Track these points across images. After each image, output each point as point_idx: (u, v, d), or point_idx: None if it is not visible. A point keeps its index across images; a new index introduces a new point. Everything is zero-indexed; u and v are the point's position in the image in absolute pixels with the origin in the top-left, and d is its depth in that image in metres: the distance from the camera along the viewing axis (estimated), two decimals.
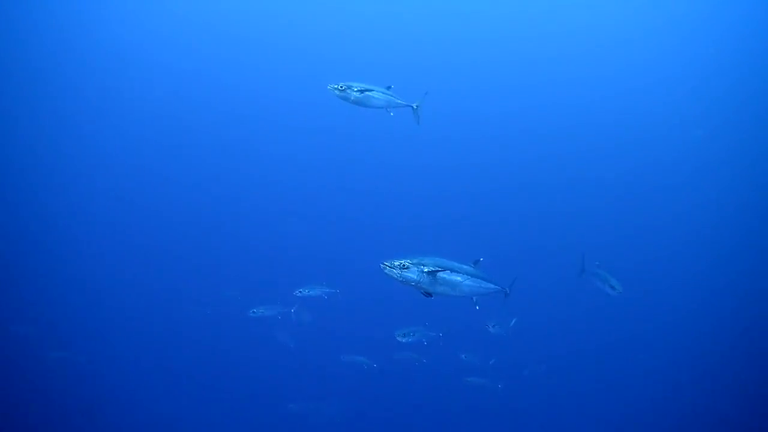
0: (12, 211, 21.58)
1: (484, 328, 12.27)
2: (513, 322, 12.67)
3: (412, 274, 5.80)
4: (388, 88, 8.61)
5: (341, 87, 8.11)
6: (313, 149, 26.81)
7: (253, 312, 13.84)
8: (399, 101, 8.73)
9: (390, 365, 15.35)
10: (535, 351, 17.94)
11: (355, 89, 8.18)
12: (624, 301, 20.93)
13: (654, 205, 25.65)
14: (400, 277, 5.77)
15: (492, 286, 6.63)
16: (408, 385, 17.98)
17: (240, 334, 18.10)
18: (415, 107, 9.00)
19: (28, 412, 15.57)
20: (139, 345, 18.73)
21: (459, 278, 6.22)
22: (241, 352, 18.92)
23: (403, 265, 5.77)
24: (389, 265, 5.76)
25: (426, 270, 5.88)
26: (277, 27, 29.32)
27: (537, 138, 27.92)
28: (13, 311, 16.82)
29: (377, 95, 8.42)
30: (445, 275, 6.05)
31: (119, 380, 17.83)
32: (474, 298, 6.53)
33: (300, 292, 13.30)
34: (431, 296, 6.15)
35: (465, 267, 6.38)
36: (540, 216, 25.04)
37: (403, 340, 11.57)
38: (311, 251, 22.23)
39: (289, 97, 28.31)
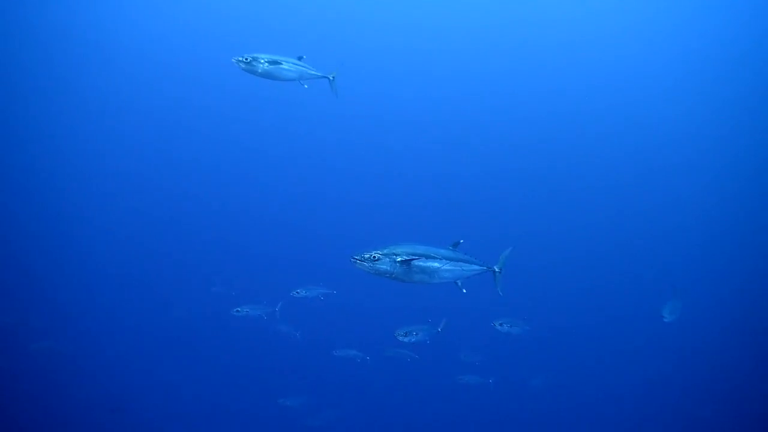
0: None
1: (491, 327, 11.75)
2: (527, 323, 12.15)
3: (384, 266, 5.52)
4: (300, 58, 8.18)
5: (246, 59, 7.62)
6: (301, 146, 26.89)
7: (237, 311, 13.21)
8: (313, 72, 8.33)
9: (382, 362, 14.88)
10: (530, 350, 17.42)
11: (263, 60, 7.70)
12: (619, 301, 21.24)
13: (644, 199, 25.67)
14: (372, 270, 5.51)
15: (476, 267, 6.26)
16: (400, 382, 17.68)
17: (230, 330, 17.70)
18: (331, 78, 8.65)
19: (10, 403, 15.26)
20: (126, 337, 18.44)
21: (436, 264, 5.85)
22: (232, 347, 18.58)
23: (374, 257, 5.49)
24: (359, 258, 5.49)
25: (399, 260, 5.55)
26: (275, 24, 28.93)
27: (521, 125, 27.96)
28: None
29: (288, 66, 7.99)
30: (420, 263, 5.70)
31: (105, 372, 17.51)
32: (458, 283, 6.14)
33: (297, 293, 12.73)
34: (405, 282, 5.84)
35: (442, 251, 5.98)
36: (526, 203, 25.15)
37: (405, 340, 10.34)
38: (300, 247, 21.97)
39: (281, 96, 28.01)
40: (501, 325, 11.72)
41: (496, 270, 6.54)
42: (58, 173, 23.60)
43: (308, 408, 16.37)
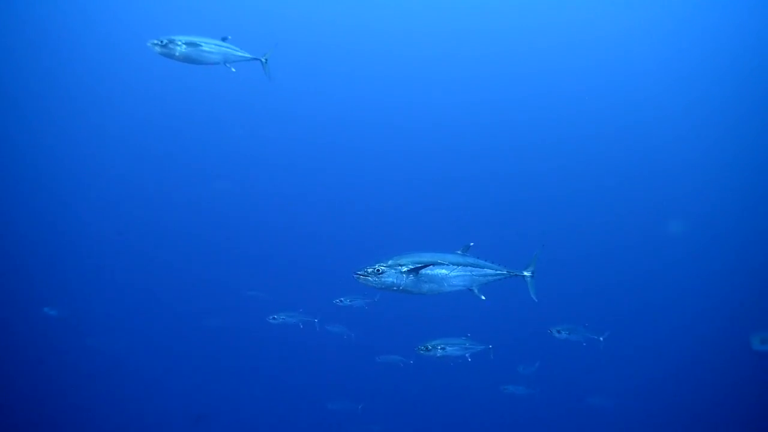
0: (52, 202, 22.40)
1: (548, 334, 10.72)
2: (605, 335, 11.39)
3: (390, 278, 5.16)
4: (224, 39, 7.50)
5: (162, 42, 6.97)
6: (310, 150, 27.21)
7: (274, 318, 12.67)
8: (241, 54, 7.63)
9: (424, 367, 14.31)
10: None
11: (180, 43, 7.05)
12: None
13: (646, 200, 25.53)
14: (378, 284, 5.17)
15: (490, 271, 5.73)
16: (443, 387, 17.24)
17: (276, 334, 17.53)
18: (264, 60, 7.97)
19: (63, 395, 15.71)
20: (176, 339, 18.70)
21: (444, 271, 5.40)
22: (279, 351, 18.54)
23: (378, 270, 5.14)
24: (362, 273, 5.15)
25: (404, 270, 5.18)
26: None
27: (531, 125, 28.02)
28: (48, 295, 17.03)
29: (210, 48, 7.29)
30: (428, 271, 5.29)
31: (155, 374, 17.77)
32: (475, 290, 5.66)
33: (340, 301, 12.14)
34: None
35: (450, 256, 5.51)
36: (535, 205, 25.21)
37: (427, 355, 8.87)
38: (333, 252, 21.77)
39: (301, 102, 28.57)
40: (559, 332, 10.72)
41: (527, 274, 5.99)
42: (115, 178, 24.44)
43: (354, 414, 15.97)
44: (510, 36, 28.75)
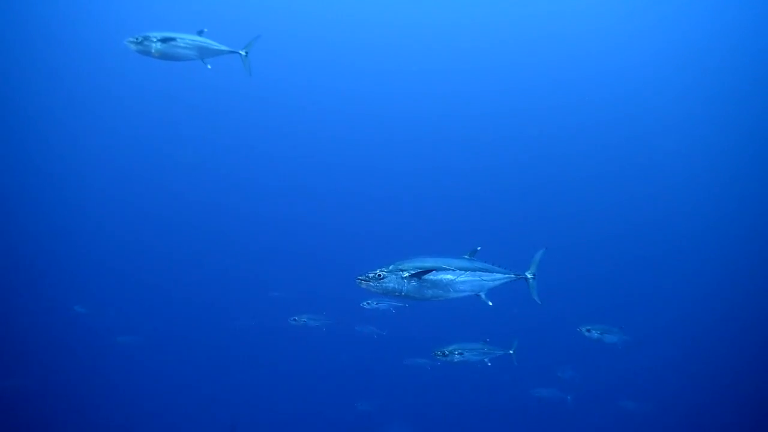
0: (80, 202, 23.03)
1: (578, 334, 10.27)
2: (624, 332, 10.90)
3: (391, 284, 5.08)
4: (201, 32, 7.23)
5: (138, 39, 6.79)
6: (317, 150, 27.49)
7: (294, 320, 12.60)
8: (218, 47, 7.36)
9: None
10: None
11: (155, 39, 6.84)
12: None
13: (648, 200, 25.66)
14: (380, 289, 5.10)
15: (499, 276, 5.62)
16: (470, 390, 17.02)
17: (300, 335, 17.47)
18: (243, 54, 7.69)
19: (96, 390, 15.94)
20: (206, 339, 18.83)
21: (450, 276, 5.23)
22: (309, 352, 18.43)
23: (379, 276, 5.07)
24: (364, 278, 5.09)
25: (406, 275, 5.07)
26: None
27: (535, 125, 28.05)
28: (77, 293, 17.35)
29: (186, 43, 7.07)
30: (431, 276, 5.15)
31: (185, 371, 17.88)
32: (482, 295, 5.53)
33: (367, 304, 12.00)
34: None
35: (455, 261, 5.36)
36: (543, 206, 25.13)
37: (443, 360, 8.53)
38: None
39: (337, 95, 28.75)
40: (589, 331, 10.28)
41: (529, 276, 5.90)
42: (145, 182, 25.01)
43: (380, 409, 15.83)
44: (526, 43, 28.67)
